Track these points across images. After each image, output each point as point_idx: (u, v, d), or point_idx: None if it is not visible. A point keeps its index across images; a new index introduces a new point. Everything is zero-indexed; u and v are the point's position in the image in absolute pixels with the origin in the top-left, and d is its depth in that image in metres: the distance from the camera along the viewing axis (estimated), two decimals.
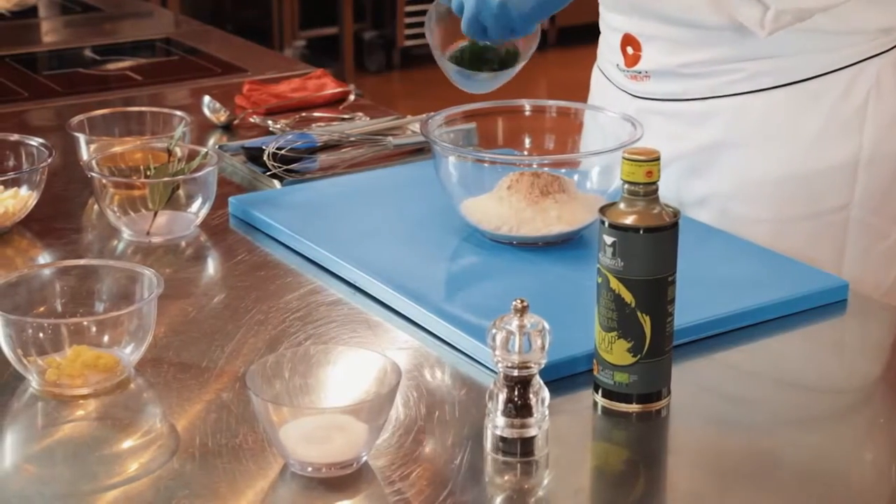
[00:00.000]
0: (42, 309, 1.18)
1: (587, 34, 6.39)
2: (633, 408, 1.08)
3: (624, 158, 1.05)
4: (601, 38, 1.58)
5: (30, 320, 1.13)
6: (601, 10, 1.56)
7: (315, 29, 5.51)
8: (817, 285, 1.26)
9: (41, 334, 1.12)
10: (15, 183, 1.45)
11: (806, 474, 1.02)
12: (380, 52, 5.58)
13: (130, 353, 1.14)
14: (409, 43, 5.57)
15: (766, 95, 1.42)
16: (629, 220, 1.05)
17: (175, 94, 2.04)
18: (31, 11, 2.63)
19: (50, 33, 2.59)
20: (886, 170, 1.44)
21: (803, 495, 1.00)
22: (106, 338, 1.14)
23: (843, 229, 1.44)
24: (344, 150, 1.67)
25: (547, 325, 1.01)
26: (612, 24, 1.53)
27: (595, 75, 1.63)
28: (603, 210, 1.07)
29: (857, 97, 1.41)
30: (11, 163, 1.52)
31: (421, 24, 5.58)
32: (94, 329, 1.14)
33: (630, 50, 1.48)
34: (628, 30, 1.49)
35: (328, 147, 1.67)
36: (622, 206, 1.06)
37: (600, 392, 1.09)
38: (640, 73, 1.48)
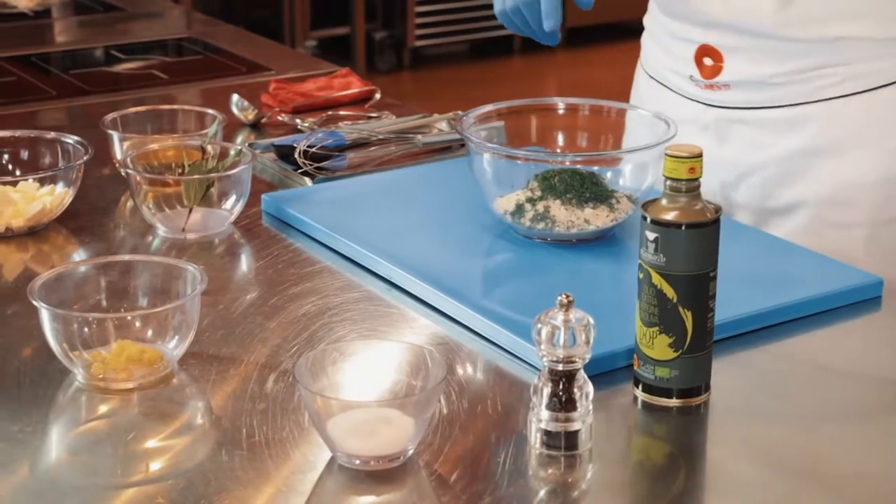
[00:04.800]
0: (86, 304, 1.19)
1: (596, 34, 6.40)
2: (674, 402, 1.09)
3: (666, 155, 1.06)
4: (654, 46, 1.54)
5: (76, 314, 1.14)
6: (662, 18, 1.51)
7: (326, 29, 5.53)
8: (852, 282, 1.27)
9: (87, 329, 1.13)
10: (52, 180, 1.47)
11: (850, 471, 1.03)
12: (391, 52, 5.60)
13: (174, 348, 1.15)
14: (419, 43, 5.59)
15: (860, 99, 1.39)
16: (671, 216, 1.06)
17: (201, 92, 2.05)
18: (49, 11, 2.64)
19: (68, 33, 2.60)
20: None
21: (847, 492, 1.01)
22: (150, 332, 1.15)
23: None
24: (372, 148, 1.68)
25: (592, 320, 1.02)
26: (682, 35, 1.48)
27: (643, 83, 1.58)
28: (645, 206, 1.08)
29: None
30: (48, 160, 1.54)
31: (432, 24, 5.59)
32: (138, 324, 1.15)
33: (708, 61, 1.45)
34: (706, 41, 1.44)
35: (357, 145, 1.68)
36: (664, 202, 1.07)
37: (640, 387, 1.10)
38: (718, 84, 1.45)
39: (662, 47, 1.53)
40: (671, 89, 1.52)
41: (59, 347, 1.13)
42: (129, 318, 1.16)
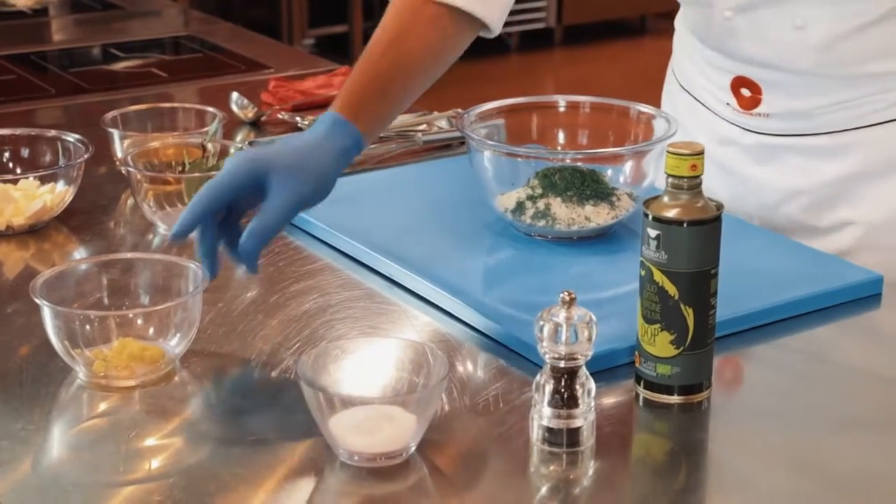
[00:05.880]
0: (88, 301, 1.19)
1: (592, 33, 6.39)
2: (675, 399, 1.10)
3: (668, 153, 1.06)
4: (687, 62, 1.50)
5: (77, 312, 1.14)
6: (695, 41, 1.46)
7: (324, 27, 5.52)
8: (852, 279, 1.27)
9: (88, 326, 1.13)
10: (52, 178, 1.47)
11: (851, 468, 1.03)
12: None
13: (176, 345, 1.15)
14: None
15: None
16: (673, 214, 1.06)
17: (200, 90, 2.05)
18: (47, 9, 2.64)
19: (66, 31, 2.60)
20: None
21: (849, 489, 1.01)
22: (152, 330, 1.15)
23: None
24: (372, 145, 1.68)
25: (594, 318, 1.02)
26: (717, 64, 1.44)
27: (677, 94, 1.54)
28: (647, 203, 1.08)
29: None
30: (48, 158, 1.54)
31: None
32: (140, 321, 1.15)
33: (746, 92, 1.41)
34: (743, 73, 1.41)
35: None
36: (666, 199, 1.07)
37: (642, 384, 1.11)
38: (758, 113, 1.41)
39: (697, 68, 1.49)
40: (708, 108, 1.48)
41: (60, 345, 1.13)
42: (130, 315, 1.16)
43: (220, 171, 1.20)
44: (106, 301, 1.20)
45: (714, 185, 1.41)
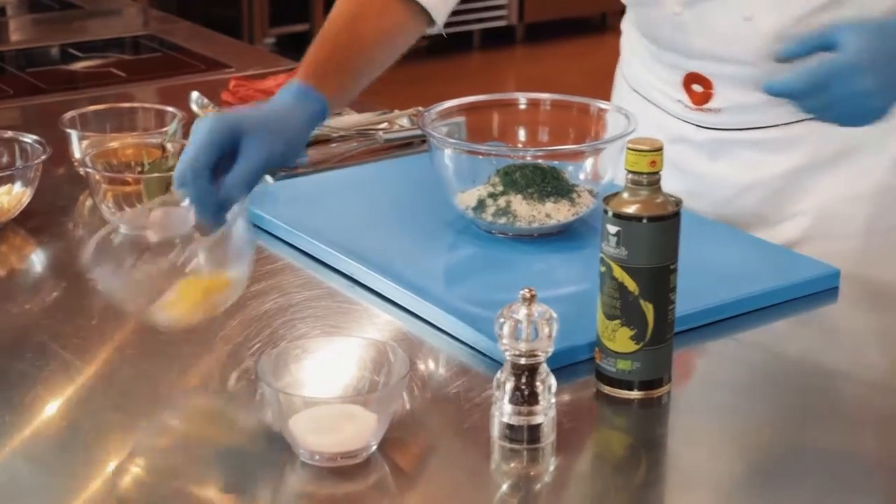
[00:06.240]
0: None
1: (554, 30, 6.38)
2: (635, 395, 1.10)
3: (628, 149, 1.06)
4: (636, 62, 1.51)
5: None
6: (644, 41, 1.48)
7: (285, 26, 5.50)
8: (810, 273, 1.28)
9: None
10: (9, 180, 1.45)
11: (810, 461, 1.04)
12: None
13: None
14: None
15: None
16: (633, 210, 1.06)
17: (160, 90, 2.04)
18: (4, 9, 2.61)
19: (24, 31, 2.57)
20: None
21: (808, 481, 1.01)
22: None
23: None
24: (333, 144, 1.68)
25: (554, 314, 1.02)
26: (667, 61, 1.45)
27: (627, 95, 1.54)
28: (606, 200, 1.08)
29: None
30: (5, 159, 1.52)
31: None
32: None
33: (698, 88, 1.43)
34: (694, 69, 1.42)
35: (318, 142, 1.68)
36: (625, 195, 1.07)
37: (602, 380, 1.11)
38: (710, 109, 1.43)
39: (647, 68, 1.50)
40: (659, 107, 1.49)
41: None
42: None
43: (193, 136, 1.20)
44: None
45: (667, 184, 1.41)
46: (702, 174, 1.46)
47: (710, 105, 1.42)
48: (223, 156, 1.20)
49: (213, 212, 1.19)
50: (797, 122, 1.40)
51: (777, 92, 1.24)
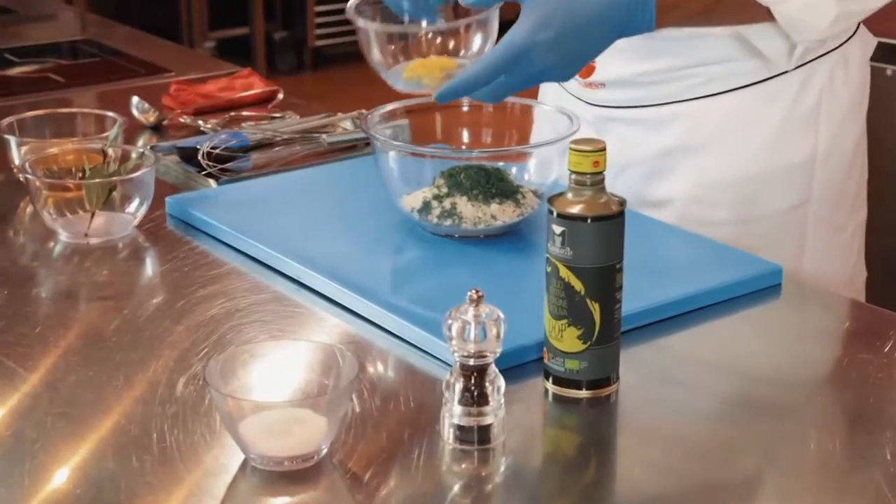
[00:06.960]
0: None
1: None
2: (584, 394, 1.11)
3: (571, 149, 1.07)
4: None
5: None
6: None
7: (225, 29, 5.47)
8: (753, 271, 1.30)
9: None
10: None
11: (756, 456, 1.05)
12: (291, 53, 5.56)
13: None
14: (320, 43, 5.56)
15: (723, 99, 1.44)
16: (577, 210, 1.07)
17: (99, 95, 2.02)
18: None
19: None
20: (841, 164, 1.47)
21: (754, 477, 1.03)
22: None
23: (802, 226, 1.46)
24: (277, 148, 1.67)
25: (502, 315, 1.02)
26: None
27: (545, 84, 1.60)
28: (551, 200, 1.09)
29: (811, 95, 1.43)
30: None
31: (332, 24, 5.54)
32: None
33: None
34: None
35: (261, 146, 1.67)
36: (570, 195, 1.08)
37: (551, 379, 1.11)
38: (594, 83, 1.48)
39: None
40: (563, 88, 1.55)
41: None
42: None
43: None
44: None
45: None
46: None
47: (594, 78, 1.47)
48: None
49: None
50: (672, 103, 1.45)
51: (444, 98, 1.26)
